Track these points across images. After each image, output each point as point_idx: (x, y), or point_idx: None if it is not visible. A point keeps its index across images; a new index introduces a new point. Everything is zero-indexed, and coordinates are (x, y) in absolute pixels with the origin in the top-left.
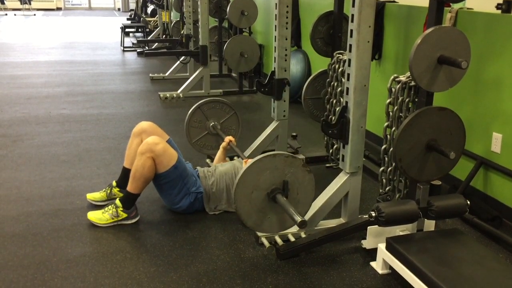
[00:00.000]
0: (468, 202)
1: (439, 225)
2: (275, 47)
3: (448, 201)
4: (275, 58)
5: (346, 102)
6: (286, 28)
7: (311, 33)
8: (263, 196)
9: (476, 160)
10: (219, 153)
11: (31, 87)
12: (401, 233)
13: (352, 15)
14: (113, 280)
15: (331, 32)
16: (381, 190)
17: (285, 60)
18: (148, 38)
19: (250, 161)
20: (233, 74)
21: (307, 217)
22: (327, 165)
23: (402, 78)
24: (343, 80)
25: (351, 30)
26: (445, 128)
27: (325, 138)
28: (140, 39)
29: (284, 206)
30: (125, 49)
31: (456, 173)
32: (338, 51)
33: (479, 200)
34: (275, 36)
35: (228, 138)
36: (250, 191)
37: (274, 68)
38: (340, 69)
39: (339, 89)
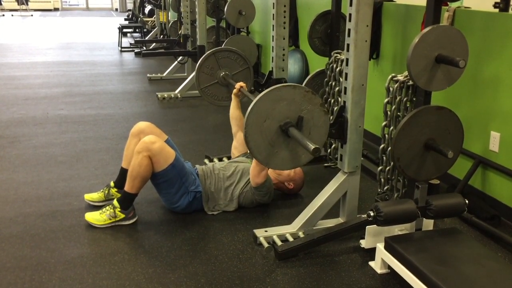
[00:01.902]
0: (467, 201)
1: (437, 225)
2: (272, 46)
3: (446, 200)
4: (272, 57)
5: (344, 102)
6: (284, 28)
7: (309, 32)
8: (275, 128)
9: (474, 159)
10: (233, 102)
11: (29, 88)
12: (400, 233)
13: (350, 15)
14: (111, 281)
15: (329, 31)
16: (379, 190)
17: (283, 60)
18: (146, 39)
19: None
20: None
21: (305, 216)
22: (325, 164)
23: (400, 77)
24: (341, 79)
25: (349, 30)
26: (443, 127)
27: None
28: (137, 39)
29: (297, 137)
30: (122, 49)
31: (454, 172)
32: (336, 51)
33: (477, 199)
34: (273, 36)
35: (239, 84)
36: (263, 119)
37: (272, 67)
38: (338, 69)
39: (337, 88)
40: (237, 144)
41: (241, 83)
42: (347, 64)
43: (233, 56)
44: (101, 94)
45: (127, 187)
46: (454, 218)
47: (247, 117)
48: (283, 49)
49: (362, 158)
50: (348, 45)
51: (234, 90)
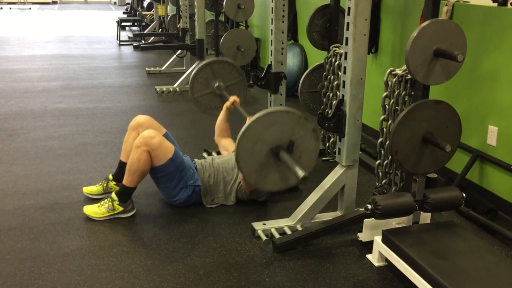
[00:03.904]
0: (464, 195)
1: (435, 218)
2: (271, 40)
3: (443, 194)
4: (271, 51)
5: (343, 96)
6: (283, 22)
7: (308, 26)
8: (266, 151)
9: (472, 153)
10: (222, 113)
11: (27, 81)
12: (397, 226)
13: (349, 8)
14: (109, 273)
15: (328, 25)
16: (377, 183)
17: (282, 54)
18: (145, 32)
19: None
20: None
21: (303, 209)
22: (324, 158)
23: (399, 71)
24: (339, 73)
25: (348, 23)
26: (441, 121)
27: (322, 132)
28: (136, 33)
29: (287, 162)
30: (121, 43)
31: (452, 166)
32: (335, 45)
33: (475, 193)
34: (272, 30)
35: (232, 98)
36: (255, 141)
37: (271, 61)
38: (336, 63)
39: (335, 82)
40: (224, 149)
41: (235, 97)
42: (345, 58)
43: (229, 68)
44: (99, 88)
45: (125, 181)
46: (452, 212)
47: (239, 138)
48: (282, 43)
49: (360, 152)
50: (347, 39)
51: (227, 103)
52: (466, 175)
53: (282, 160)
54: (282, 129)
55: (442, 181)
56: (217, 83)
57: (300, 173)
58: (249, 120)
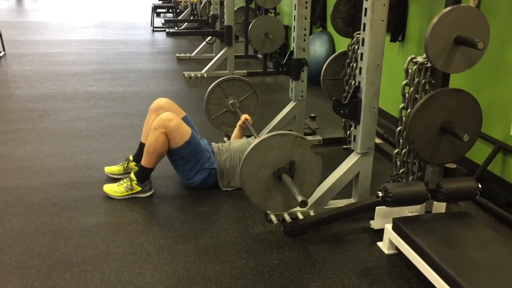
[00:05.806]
0: (479, 186)
1: (451, 209)
2: (294, 26)
3: (458, 184)
4: (294, 38)
5: (359, 82)
6: (306, 8)
7: (332, 13)
8: (269, 174)
9: (495, 145)
10: (236, 131)
11: (61, 64)
12: (410, 215)
13: None
14: (123, 249)
15: (352, 12)
16: (394, 172)
17: (304, 40)
18: (178, 18)
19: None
20: (259, 55)
21: (316, 195)
22: (344, 146)
23: (420, 59)
24: None
25: (365, 9)
26: (461, 111)
27: (343, 120)
28: (167, 19)
29: (288, 185)
30: (155, 29)
31: (473, 157)
32: (358, 32)
33: (495, 185)
34: (294, 16)
35: (244, 117)
36: (257, 168)
37: (293, 48)
38: (359, 50)
39: (357, 70)
40: None
41: (246, 116)
42: (362, 44)
43: (238, 84)
44: (130, 72)
45: (143, 162)
46: (470, 203)
47: (241, 167)
48: (305, 29)
49: (381, 141)
50: (364, 24)
51: (239, 122)
52: (488, 166)
53: (284, 184)
54: (281, 152)
55: (463, 172)
56: (231, 101)
57: (299, 198)
58: (249, 147)
